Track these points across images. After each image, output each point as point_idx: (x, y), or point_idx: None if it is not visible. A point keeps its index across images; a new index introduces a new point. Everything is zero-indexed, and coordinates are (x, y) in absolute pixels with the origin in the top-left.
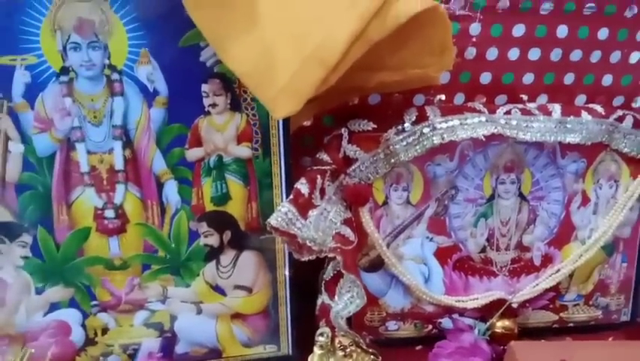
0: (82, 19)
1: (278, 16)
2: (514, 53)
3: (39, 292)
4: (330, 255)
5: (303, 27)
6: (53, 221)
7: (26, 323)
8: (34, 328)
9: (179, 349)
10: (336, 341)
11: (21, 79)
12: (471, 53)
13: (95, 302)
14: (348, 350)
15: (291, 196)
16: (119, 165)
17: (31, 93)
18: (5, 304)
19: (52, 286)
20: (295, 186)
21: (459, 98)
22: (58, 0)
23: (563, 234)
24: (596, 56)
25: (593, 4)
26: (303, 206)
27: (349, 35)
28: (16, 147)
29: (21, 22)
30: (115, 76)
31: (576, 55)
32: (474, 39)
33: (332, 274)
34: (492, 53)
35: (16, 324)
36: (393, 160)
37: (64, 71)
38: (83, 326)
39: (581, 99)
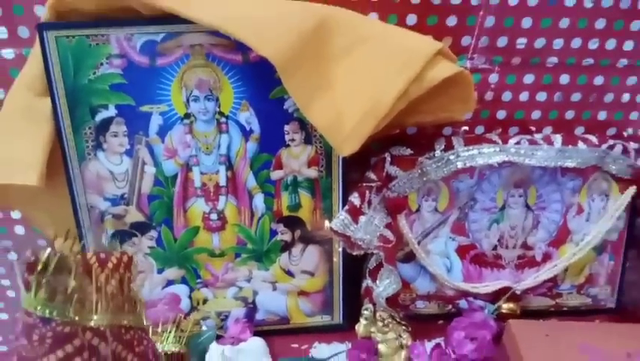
0: (201, 79)
1: (346, 83)
2: (524, 96)
3: (159, 272)
4: (375, 251)
5: (362, 91)
6: (173, 221)
7: (149, 295)
8: (154, 298)
9: (258, 316)
10: (377, 314)
11: (156, 121)
12: (489, 96)
13: (199, 280)
14: (386, 321)
15: (347, 206)
16: (222, 182)
17: (163, 131)
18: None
19: (169, 268)
20: (349, 198)
21: (479, 129)
22: (184, 66)
23: (561, 237)
24: (592, 98)
25: (590, 59)
26: (355, 214)
27: (395, 95)
28: (150, 169)
29: (158, 81)
30: (223, 119)
31: (575, 97)
32: (492, 86)
33: (375, 264)
34: (506, 96)
35: (142, 295)
36: (425, 178)
37: (187, 116)
38: (190, 297)
39: (580, 130)
